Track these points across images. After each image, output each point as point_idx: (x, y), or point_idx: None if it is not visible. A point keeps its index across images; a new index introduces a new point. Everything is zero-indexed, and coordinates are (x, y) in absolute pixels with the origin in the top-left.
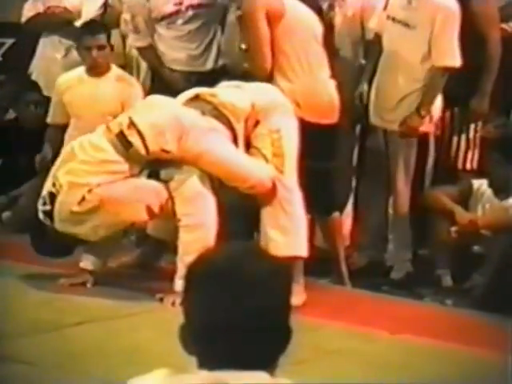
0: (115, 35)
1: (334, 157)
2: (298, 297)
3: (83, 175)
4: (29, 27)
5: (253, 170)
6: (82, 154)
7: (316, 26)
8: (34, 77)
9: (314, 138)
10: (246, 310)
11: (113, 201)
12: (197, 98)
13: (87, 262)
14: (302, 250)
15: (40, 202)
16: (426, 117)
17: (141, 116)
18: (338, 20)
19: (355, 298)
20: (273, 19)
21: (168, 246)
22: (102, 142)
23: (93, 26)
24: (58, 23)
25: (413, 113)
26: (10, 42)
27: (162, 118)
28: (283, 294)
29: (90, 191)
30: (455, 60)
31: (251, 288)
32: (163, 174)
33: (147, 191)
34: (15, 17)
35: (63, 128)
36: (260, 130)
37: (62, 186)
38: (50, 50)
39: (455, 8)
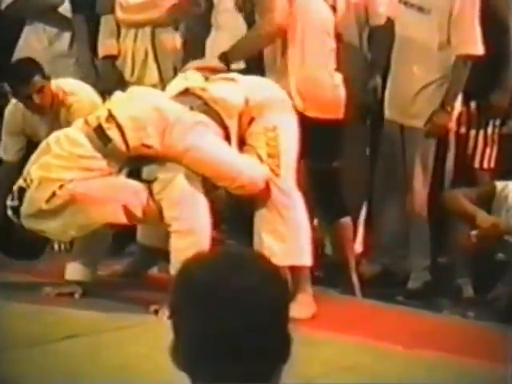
0: (108, 20)
1: (342, 155)
2: (306, 309)
3: (56, 170)
4: (9, 14)
5: (243, 168)
6: (57, 148)
7: (327, 13)
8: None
9: (318, 135)
10: (238, 323)
11: (85, 198)
12: (186, 92)
13: (73, 273)
14: (303, 258)
15: (9, 197)
16: (453, 112)
17: (120, 108)
18: (340, 3)
19: (368, 309)
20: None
21: (162, 253)
22: (79, 136)
23: (25, 69)
24: (41, 9)
25: (438, 109)
26: None
27: (144, 110)
28: (278, 304)
29: (61, 187)
30: (477, 47)
31: (242, 299)
32: (145, 173)
33: (124, 190)
34: None
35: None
36: (255, 128)
37: (32, 181)
38: (33, 40)
39: None
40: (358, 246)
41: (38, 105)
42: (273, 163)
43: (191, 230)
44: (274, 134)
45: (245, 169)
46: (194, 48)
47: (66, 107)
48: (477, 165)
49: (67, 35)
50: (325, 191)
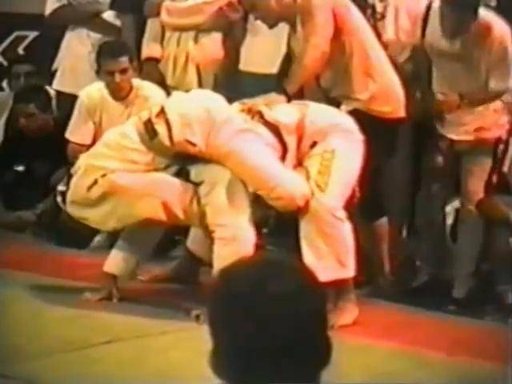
0: (154, 23)
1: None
2: (348, 314)
3: (100, 158)
4: (53, 20)
5: (284, 180)
6: (107, 138)
7: None
8: (58, 73)
9: (382, 131)
10: (277, 330)
11: (124, 190)
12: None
13: (112, 265)
14: (343, 271)
15: (61, 184)
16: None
17: (173, 106)
18: (389, 13)
19: (409, 316)
20: (340, 15)
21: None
22: (129, 129)
23: (114, 48)
24: (85, 15)
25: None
26: (33, 34)
27: (194, 109)
28: (316, 310)
29: (103, 176)
30: None
31: (279, 307)
32: (193, 174)
33: (166, 188)
34: (40, 7)
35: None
36: (315, 151)
37: (80, 168)
38: (76, 45)
39: (509, 33)
40: (401, 252)
41: (118, 84)
42: (321, 180)
43: (235, 238)
44: (330, 155)
45: (285, 181)
46: (231, 54)
47: (143, 99)
48: (505, 169)
49: None
50: (371, 189)
